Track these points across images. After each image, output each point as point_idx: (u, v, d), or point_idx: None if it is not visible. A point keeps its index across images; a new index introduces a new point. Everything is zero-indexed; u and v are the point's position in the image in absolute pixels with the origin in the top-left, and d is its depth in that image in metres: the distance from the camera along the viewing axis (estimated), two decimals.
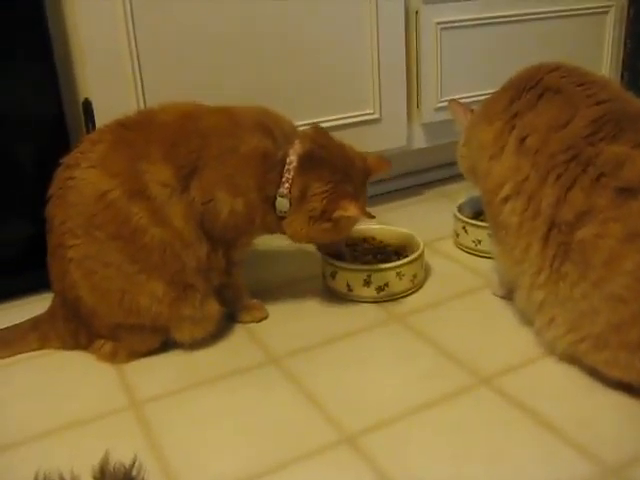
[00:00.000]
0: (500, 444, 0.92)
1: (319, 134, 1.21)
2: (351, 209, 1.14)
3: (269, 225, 1.19)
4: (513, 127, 1.11)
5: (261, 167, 1.14)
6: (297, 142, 1.17)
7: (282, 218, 1.18)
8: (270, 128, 1.16)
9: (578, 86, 1.08)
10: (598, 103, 1.05)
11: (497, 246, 1.17)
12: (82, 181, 1.09)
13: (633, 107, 1.06)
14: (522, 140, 1.08)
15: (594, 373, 1.04)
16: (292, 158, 1.15)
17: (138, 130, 1.13)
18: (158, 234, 1.08)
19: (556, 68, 1.12)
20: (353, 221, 1.22)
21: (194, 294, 1.13)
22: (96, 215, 1.07)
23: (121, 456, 0.86)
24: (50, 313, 1.18)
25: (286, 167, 1.15)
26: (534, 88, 1.11)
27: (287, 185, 1.15)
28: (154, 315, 1.10)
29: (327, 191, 1.15)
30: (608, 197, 0.97)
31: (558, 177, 1.02)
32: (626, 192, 0.96)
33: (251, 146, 1.13)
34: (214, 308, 1.16)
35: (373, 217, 1.18)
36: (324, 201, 1.15)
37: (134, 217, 1.07)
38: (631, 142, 0.99)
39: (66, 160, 1.12)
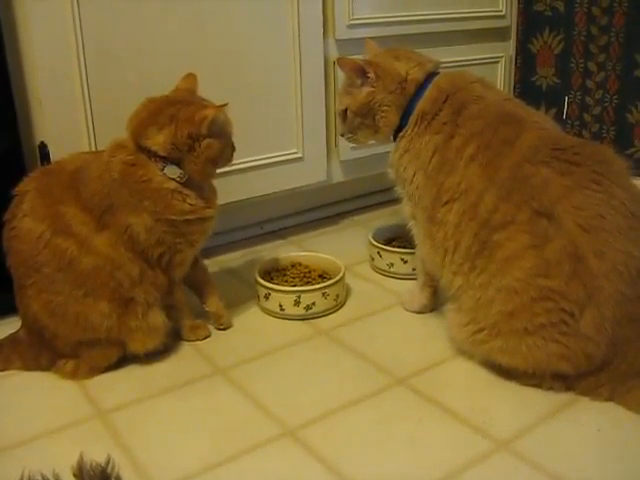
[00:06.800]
0: (415, 431, 1.11)
1: None
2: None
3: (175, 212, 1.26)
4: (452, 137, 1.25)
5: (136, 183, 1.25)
6: None
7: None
8: None
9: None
10: (540, 128, 1.22)
11: (427, 241, 1.31)
12: (21, 230, 1.23)
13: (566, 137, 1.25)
14: (473, 156, 1.22)
15: (490, 367, 1.24)
16: None
17: (53, 177, 1.27)
18: (90, 262, 1.22)
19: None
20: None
21: (135, 307, 1.26)
22: (39, 255, 1.21)
23: (94, 458, 0.98)
24: (11, 339, 1.31)
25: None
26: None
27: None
28: (107, 329, 1.24)
29: None
30: (527, 214, 1.15)
31: (499, 189, 1.18)
32: (540, 214, 1.14)
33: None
34: (159, 320, 1.29)
35: None
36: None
37: (67, 251, 1.21)
38: (557, 168, 1.15)
39: (6, 216, 1.25)
